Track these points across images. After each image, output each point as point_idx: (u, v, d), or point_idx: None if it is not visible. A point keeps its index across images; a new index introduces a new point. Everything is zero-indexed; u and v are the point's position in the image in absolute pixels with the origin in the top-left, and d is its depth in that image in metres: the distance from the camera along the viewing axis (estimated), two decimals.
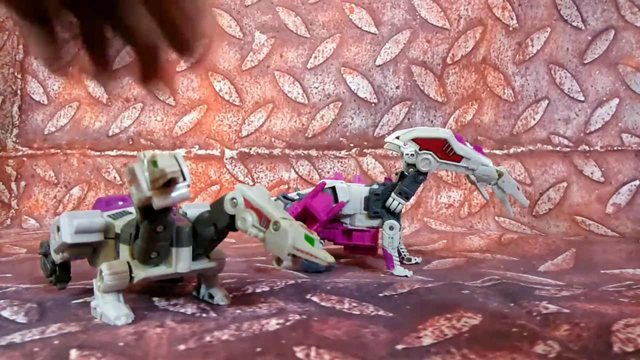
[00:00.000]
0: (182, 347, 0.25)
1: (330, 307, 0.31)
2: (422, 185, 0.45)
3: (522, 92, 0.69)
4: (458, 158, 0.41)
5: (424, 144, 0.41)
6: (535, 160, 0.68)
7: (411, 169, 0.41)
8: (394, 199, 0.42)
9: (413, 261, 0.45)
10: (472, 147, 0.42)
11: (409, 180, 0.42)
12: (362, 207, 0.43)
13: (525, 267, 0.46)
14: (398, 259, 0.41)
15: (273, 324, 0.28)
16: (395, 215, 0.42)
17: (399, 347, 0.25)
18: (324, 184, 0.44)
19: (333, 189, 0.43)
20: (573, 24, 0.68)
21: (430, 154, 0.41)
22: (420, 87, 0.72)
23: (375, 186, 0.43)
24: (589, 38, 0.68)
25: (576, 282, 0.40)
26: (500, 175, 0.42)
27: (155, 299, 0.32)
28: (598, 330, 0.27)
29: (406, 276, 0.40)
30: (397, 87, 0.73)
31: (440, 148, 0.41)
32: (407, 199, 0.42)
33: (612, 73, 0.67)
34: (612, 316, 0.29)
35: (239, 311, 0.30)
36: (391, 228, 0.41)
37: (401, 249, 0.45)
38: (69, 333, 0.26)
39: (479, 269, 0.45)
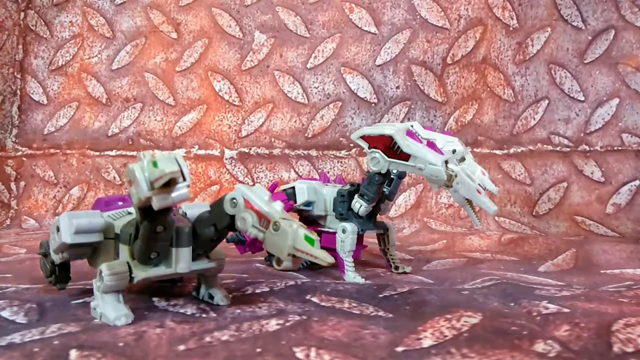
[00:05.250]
0: (181, 347, 0.25)
1: (330, 307, 0.31)
2: (399, 184, 0.40)
3: (522, 92, 0.69)
4: (406, 156, 0.36)
5: (372, 142, 0.38)
6: (535, 160, 0.68)
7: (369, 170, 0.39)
8: (356, 201, 0.39)
9: (401, 270, 0.43)
10: (425, 143, 0.36)
11: (367, 181, 0.39)
12: (332, 208, 0.41)
13: (525, 267, 0.46)
14: (352, 264, 0.38)
15: (273, 324, 0.28)
16: (362, 218, 0.39)
17: (399, 349, 0.25)
18: (276, 184, 0.42)
19: (294, 189, 0.41)
20: (573, 23, 0.68)
21: (379, 153, 0.37)
22: (420, 87, 0.72)
23: (347, 187, 0.41)
24: (589, 38, 0.68)
25: (576, 282, 0.40)
26: (451, 177, 0.36)
27: (155, 299, 0.32)
28: (598, 330, 0.27)
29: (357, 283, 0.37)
30: (397, 87, 0.73)
31: (387, 146, 0.37)
32: (368, 201, 0.39)
33: (612, 73, 0.67)
34: (612, 316, 0.29)
35: (238, 311, 0.30)
36: (343, 231, 0.39)
37: (391, 255, 0.43)
38: (68, 333, 0.26)
39: (479, 269, 0.45)
